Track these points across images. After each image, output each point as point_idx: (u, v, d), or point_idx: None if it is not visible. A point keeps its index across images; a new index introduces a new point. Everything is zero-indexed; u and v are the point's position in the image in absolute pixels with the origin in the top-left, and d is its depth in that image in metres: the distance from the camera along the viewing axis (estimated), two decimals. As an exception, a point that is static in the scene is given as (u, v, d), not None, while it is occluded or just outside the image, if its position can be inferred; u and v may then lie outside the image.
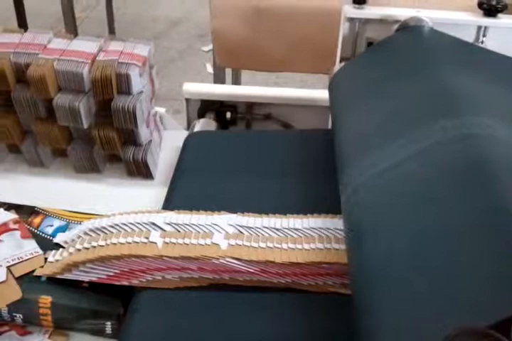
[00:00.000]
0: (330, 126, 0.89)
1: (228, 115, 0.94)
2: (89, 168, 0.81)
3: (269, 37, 1.17)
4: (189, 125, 0.94)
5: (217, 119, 0.93)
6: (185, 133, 0.85)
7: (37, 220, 0.69)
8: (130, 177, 0.81)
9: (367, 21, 0.86)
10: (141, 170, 0.80)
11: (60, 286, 0.59)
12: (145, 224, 0.61)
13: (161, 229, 0.60)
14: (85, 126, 0.75)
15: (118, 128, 0.76)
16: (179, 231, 0.60)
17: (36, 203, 0.72)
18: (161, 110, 0.91)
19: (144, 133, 0.78)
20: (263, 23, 1.16)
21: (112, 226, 0.61)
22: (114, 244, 0.59)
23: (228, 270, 0.57)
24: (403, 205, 0.50)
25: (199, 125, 0.89)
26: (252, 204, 0.66)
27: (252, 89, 0.95)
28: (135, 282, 0.59)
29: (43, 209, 0.71)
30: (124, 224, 0.61)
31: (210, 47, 1.80)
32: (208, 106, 0.94)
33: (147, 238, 0.59)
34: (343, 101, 0.75)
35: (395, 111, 0.64)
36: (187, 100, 0.94)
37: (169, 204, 0.68)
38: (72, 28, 1.82)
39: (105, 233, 0.61)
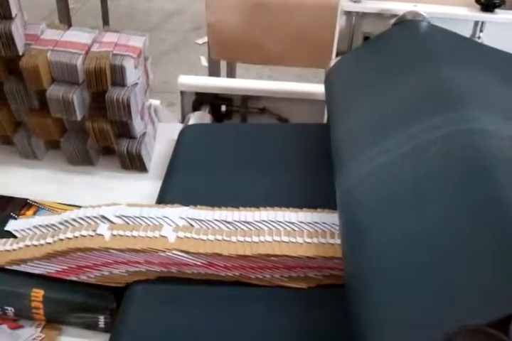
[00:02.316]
0: (325, 120, 0.89)
1: (223, 108, 0.94)
2: (82, 160, 0.80)
3: (265, 30, 1.17)
4: (184, 118, 0.94)
5: (212, 112, 0.93)
6: (179, 126, 0.85)
7: (29, 213, 0.68)
8: (124, 170, 0.80)
9: (364, 15, 0.85)
10: (135, 163, 0.79)
11: (53, 279, 0.59)
12: (94, 217, 0.60)
13: (111, 221, 0.59)
14: (79, 117, 0.74)
15: (112, 121, 0.75)
16: (128, 224, 0.59)
17: (29, 195, 0.71)
18: (156, 102, 0.91)
19: (138, 125, 0.77)
20: (259, 16, 1.16)
21: (61, 223, 0.61)
22: (61, 239, 0.58)
23: (176, 263, 0.56)
24: (401, 201, 0.50)
25: (194, 118, 0.89)
26: (246, 197, 0.66)
27: (247, 82, 0.94)
28: (83, 277, 0.58)
29: (35, 202, 0.70)
30: (74, 220, 0.60)
31: (205, 39, 1.79)
32: (202, 99, 0.93)
33: (94, 231, 0.58)
34: (339, 96, 0.75)
35: (391, 107, 0.64)
36: (182, 93, 0.93)
37: (164, 198, 0.68)
38: (65, 19, 1.80)
39: (54, 229, 0.61)
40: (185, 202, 0.63)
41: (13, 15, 0.68)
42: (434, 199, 0.48)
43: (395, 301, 0.41)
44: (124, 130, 0.77)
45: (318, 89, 0.88)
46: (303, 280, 0.56)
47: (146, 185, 0.77)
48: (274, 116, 0.95)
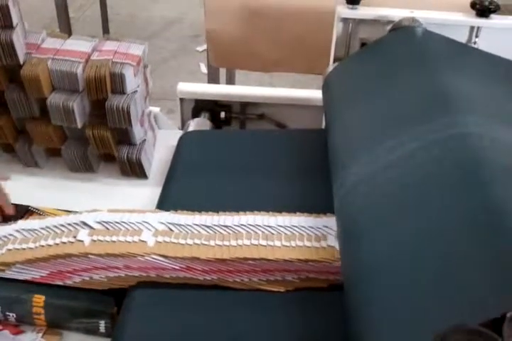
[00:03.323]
0: (323, 125, 0.89)
1: (222, 115, 0.94)
2: (83, 167, 0.81)
3: (263, 37, 1.18)
4: (183, 125, 0.94)
5: (211, 119, 0.93)
6: (179, 133, 0.85)
7: (31, 219, 0.69)
8: (124, 177, 0.81)
9: (360, 22, 0.86)
10: (135, 170, 0.80)
11: (53, 285, 0.59)
12: (75, 224, 0.60)
13: (91, 227, 0.60)
14: (79, 125, 0.75)
15: (112, 128, 0.76)
16: (108, 229, 0.60)
17: (30, 202, 0.72)
18: (156, 109, 0.91)
19: (138, 132, 0.78)
20: (257, 24, 1.17)
21: (43, 229, 0.61)
22: (42, 246, 0.59)
23: (155, 267, 0.57)
24: (398, 205, 0.50)
25: (193, 125, 0.89)
26: (246, 203, 0.66)
27: (246, 89, 0.95)
28: (69, 282, 0.59)
29: (37, 209, 0.71)
30: (55, 226, 0.61)
31: (204, 47, 1.80)
32: (202, 106, 0.94)
33: (75, 237, 0.59)
34: (336, 102, 0.75)
35: (387, 112, 0.65)
36: (181, 100, 0.94)
37: (163, 204, 0.68)
38: (65, 28, 1.81)
39: (37, 234, 0.61)
40: (185, 208, 0.64)
41: (14, 24, 0.69)
42: (431, 202, 0.48)
43: (393, 300, 0.42)
44: (124, 137, 0.78)
45: (316, 95, 0.88)
46: (281, 283, 0.57)
47: (146, 191, 0.77)
48: (272, 122, 0.96)
